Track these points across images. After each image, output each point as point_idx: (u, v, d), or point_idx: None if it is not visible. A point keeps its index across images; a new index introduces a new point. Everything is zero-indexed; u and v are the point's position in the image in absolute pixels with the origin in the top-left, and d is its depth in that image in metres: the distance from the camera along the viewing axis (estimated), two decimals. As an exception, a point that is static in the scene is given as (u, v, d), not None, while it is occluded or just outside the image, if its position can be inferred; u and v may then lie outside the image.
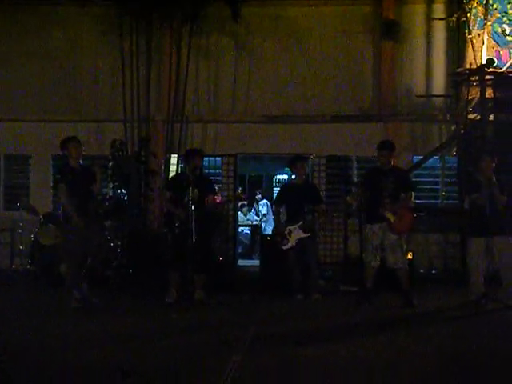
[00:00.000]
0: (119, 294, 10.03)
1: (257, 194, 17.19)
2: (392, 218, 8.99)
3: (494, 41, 12.77)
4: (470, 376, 5.65)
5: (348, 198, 10.16)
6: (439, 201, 13.54)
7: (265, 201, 16.86)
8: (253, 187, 17.96)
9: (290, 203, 10.07)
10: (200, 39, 13.53)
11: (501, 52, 12.78)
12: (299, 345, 6.69)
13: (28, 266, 11.70)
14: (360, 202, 9.79)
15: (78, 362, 5.92)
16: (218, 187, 13.66)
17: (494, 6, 12.61)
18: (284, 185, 12.71)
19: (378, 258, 9.15)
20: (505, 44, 12.80)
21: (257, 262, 12.31)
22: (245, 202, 16.31)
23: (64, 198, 8.92)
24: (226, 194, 13.18)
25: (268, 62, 13.76)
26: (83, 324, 7.82)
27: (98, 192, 9.70)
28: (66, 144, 9.12)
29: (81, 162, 9.19)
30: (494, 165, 8.92)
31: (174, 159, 13.49)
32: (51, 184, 13.77)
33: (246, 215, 16.60)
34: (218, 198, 12.51)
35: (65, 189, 8.88)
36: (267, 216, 16.19)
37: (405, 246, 9.22)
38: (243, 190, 16.75)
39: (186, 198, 9.02)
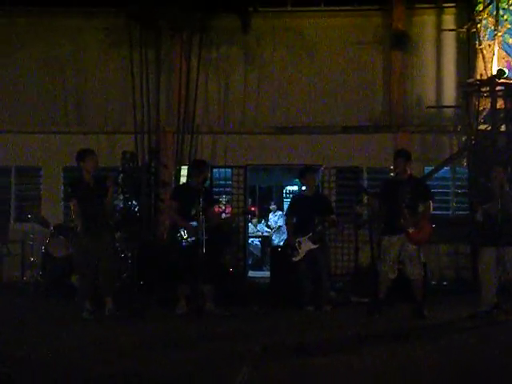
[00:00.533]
0: (129, 305, 10.01)
1: (271, 205, 17.14)
2: (411, 230, 8.95)
3: (505, 51, 12.75)
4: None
5: (357, 207, 10.12)
6: (450, 212, 13.48)
7: (280, 212, 16.80)
8: (263, 198, 17.93)
9: (301, 214, 10.05)
10: (210, 50, 13.58)
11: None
12: (309, 356, 6.66)
13: (39, 278, 11.69)
14: (371, 212, 9.71)
15: (87, 371, 5.90)
16: (228, 198, 13.69)
17: (505, 17, 12.59)
18: (295, 196, 12.70)
19: (395, 269, 9.10)
20: (516, 55, 12.79)
21: (267, 274, 12.28)
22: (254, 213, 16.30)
23: (74, 212, 8.99)
24: (236, 205, 13.17)
25: (278, 73, 13.80)
26: (93, 334, 7.81)
27: (110, 204, 9.71)
28: (82, 156, 9.12)
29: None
30: (505, 175, 8.87)
31: (183, 170, 13.49)
32: (62, 195, 13.83)
33: (255, 226, 16.55)
34: (228, 208, 12.51)
35: (75, 203, 8.93)
36: (282, 227, 16.12)
37: (422, 258, 9.18)
38: (253, 203, 16.76)
39: (195, 210, 9.00)
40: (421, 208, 9.18)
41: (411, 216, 8.99)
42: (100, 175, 9.42)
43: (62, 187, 14.06)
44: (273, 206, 16.98)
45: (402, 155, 9.37)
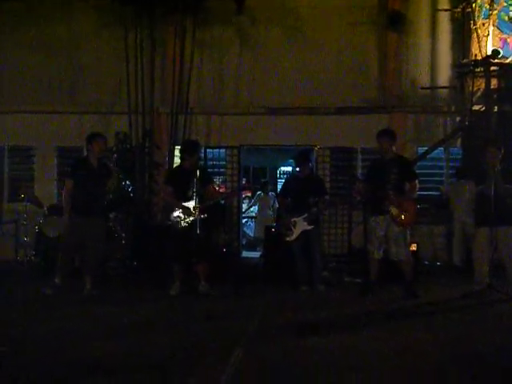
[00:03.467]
0: (123, 286, 10.03)
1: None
2: (395, 212, 8.95)
3: (500, 30, 12.73)
4: (472, 366, 5.63)
5: (354, 195, 10.17)
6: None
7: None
8: (257, 179, 17.91)
9: (295, 195, 10.06)
10: (204, 31, 13.52)
11: (508, 39, 12.74)
12: (303, 336, 6.69)
13: (32, 258, 11.71)
14: (365, 195, 9.70)
15: (78, 353, 5.91)
16: (223, 179, 13.69)
17: (502, -6, 12.60)
18: (289, 177, 12.73)
19: (381, 249, 9.13)
20: (512, 31, 12.78)
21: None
22: (249, 194, 16.31)
23: (66, 193, 9.11)
24: (230, 185, 13.18)
25: (272, 53, 13.73)
26: (87, 314, 7.81)
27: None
28: (91, 139, 9.23)
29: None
30: (499, 155, 8.87)
31: (177, 151, 13.45)
32: (56, 175, 13.83)
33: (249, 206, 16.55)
34: (222, 188, 12.50)
35: (70, 185, 9.06)
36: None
37: (408, 238, 9.19)
38: (247, 181, 16.72)
39: (190, 192, 9.00)
40: (408, 188, 9.18)
41: (396, 197, 8.99)
42: (105, 161, 9.55)
43: (56, 167, 14.06)
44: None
45: (385, 134, 9.33)
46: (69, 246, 9.16)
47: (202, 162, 11.21)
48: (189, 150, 9.51)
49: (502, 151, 8.91)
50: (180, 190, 9.17)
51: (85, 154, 9.37)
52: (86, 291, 9.01)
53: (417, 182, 9.25)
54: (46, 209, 11.81)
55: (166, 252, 9.68)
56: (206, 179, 9.37)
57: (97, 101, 13.79)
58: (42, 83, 13.95)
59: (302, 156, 10.42)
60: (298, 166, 10.28)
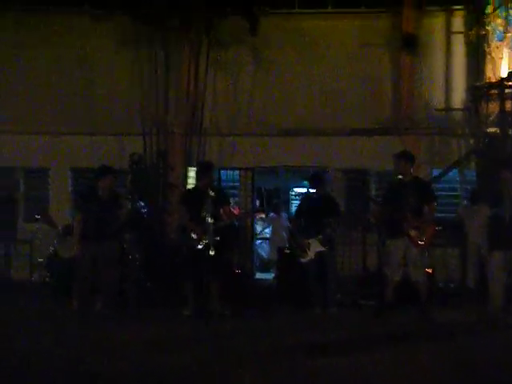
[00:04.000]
0: (136, 307, 10.02)
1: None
2: (414, 234, 8.94)
3: (514, 52, 12.76)
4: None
5: (371, 218, 10.17)
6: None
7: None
8: (270, 200, 17.84)
9: (309, 216, 10.06)
10: (218, 52, 13.57)
11: (522, 61, 12.76)
12: (315, 357, 6.67)
13: (47, 279, 11.71)
14: (380, 218, 9.68)
15: (90, 371, 5.92)
16: (236, 200, 13.67)
17: (515, 17, 12.62)
18: (304, 198, 12.71)
19: (400, 272, 9.10)
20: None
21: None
22: (263, 215, 16.25)
23: (76, 226, 9.39)
24: (243, 206, 13.17)
25: (286, 74, 13.78)
26: (100, 335, 7.81)
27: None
28: (101, 175, 9.42)
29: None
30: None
31: (191, 172, 13.49)
32: (70, 196, 13.90)
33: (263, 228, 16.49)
34: (236, 210, 12.49)
35: (79, 218, 9.31)
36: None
37: (426, 260, 9.17)
38: (261, 204, 16.71)
39: (204, 213, 9.01)
40: (425, 209, 9.18)
41: (415, 219, 8.98)
42: (115, 191, 9.63)
43: (71, 189, 14.13)
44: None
45: (403, 157, 9.33)
46: (82, 272, 9.27)
47: (215, 183, 11.19)
48: (202, 170, 9.62)
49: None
50: (194, 210, 9.21)
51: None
52: (97, 310, 9.09)
53: (435, 204, 9.25)
54: (60, 229, 11.83)
55: (179, 272, 9.69)
56: (222, 200, 9.39)
57: (111, 122, 13.85)
58: (56, 104, 14.01)
59: (316, 177, 10.44)
60: (312, 187, 10.29)
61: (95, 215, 9.14)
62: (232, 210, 11.85)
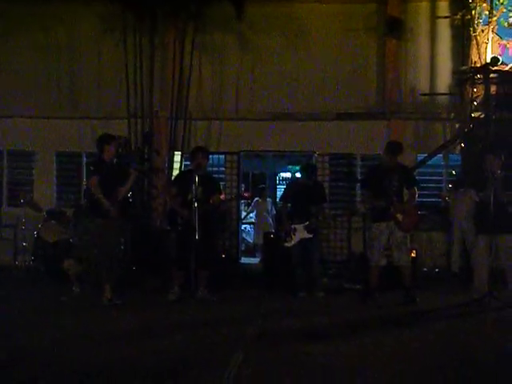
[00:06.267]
0: (122, 291, 10.00)
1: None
2: (400, 217, 9.00)
3: (499, 36, 12.76)
4: (469, 372, 5.63)
5: (361, 207, 10.22)
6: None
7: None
8: (256, 185, 17.86)
9: (296, 202, 10.09)
10: (204, 37, 13.51)
11: (507, 45, 12.77)
12: (303, 342, 6.69)
13: (31, 263, 11.68)
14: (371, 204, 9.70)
15: (80, 359, 5.90)
16: (222, 185, 13.66)
17: (501, 0, 12.60)
18: (291, 183, 12.73)
19: (384, 256, 9.16)
20: (512, 37, 12.81)
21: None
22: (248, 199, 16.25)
23: (94, 189, 8.84)
24: (229, 191, 13.16)
25: (272, 59, 13.74)
26: (86, 321, 7.81)
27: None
28: (108, 140, 9.15)
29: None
30: (499, 162, 8.87)
31: (177, 156, 13.48)
32: (55, 180, 13.85)
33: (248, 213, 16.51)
34: (247, 192, 12.47)
35: (96, 180, 8.84)
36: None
37: (409, 244, 9.24)
38: (246, 188, 16.71)
39: (190, 196, 8.99)
40: (407, 195, 9.25)
41: (399, 203, 9.05)
42: (119, 162, 9.51)
43: (55, 173, 14.07)
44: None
45: (394, 151, 9.27)
46: (107, 249, 8.89)
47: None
48: (191, 155, 9.66)
49: (502, 158, 8.92)
50: (182, 193, 9.21)
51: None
52: (106, 301, 8.86)
53: (416, 188, 9.33)
54: (44, 213, 11.79)
55: (165, 257, 9.67)
56: (211, 187, 9.37)
57: (97, 106, 13.80)
58: (42, 88, 13.95)
59: (310, 167, 10.51)
60: (305, 177, 10.28)
61: (109, 186, 8.78)
62: (244, 193, 11.84)
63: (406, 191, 9.45)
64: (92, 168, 9.35)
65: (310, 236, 9.87)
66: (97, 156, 9.31)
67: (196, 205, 8.84)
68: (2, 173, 14.30)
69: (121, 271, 9.24)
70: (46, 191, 13.78)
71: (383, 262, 9.19)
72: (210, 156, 13.47)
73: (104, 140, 9.14)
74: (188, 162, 12.32)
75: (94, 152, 13.08)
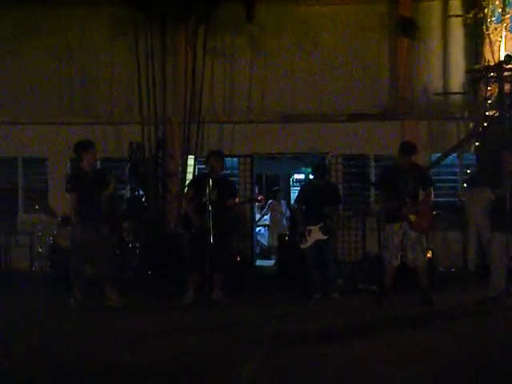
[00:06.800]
0: (137, 295, 10.02)
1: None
2: (413, 218, 8.96)
3: (512, 33, 12.72)
4: (486, 373, 5.58)
5: (376, 205, 10.18)
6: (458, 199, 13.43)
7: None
8: (270, 187, 17.85)
9: (310, 203, 10.07)
10: (215, 39, 13.53)
11: (521, 42, 12.72)
12: (319, 343, 6.67)
13: (47, 269, 11.73)
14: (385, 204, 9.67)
15: (95, 361, 5.91)
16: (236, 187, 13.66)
17: (514, -3, 12.57)
18: (305, 185, 12.72)
19: (398, 257, 9.11)
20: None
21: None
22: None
23: (72, 205, 9.04)
24: (243, 194, 13.16)
25: (283, 61, 13.74)
26: (101, 323, 7.82)
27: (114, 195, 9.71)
28: (85, 147, 9.10)
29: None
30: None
31: (190, 160, 13.49)
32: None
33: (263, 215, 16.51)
34: (261, 197, 12.50)
35: (75, 197, 8.96)
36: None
37: (425, 245, 9.19)
38: (260, 191, 16.69)
39: (204, 200, 9.00)
40: (422, 195, 9.20)
41: (413, 203, 9.00)
42: (100, 168, 9.46)
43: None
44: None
45: (408, 152, 9.22)
46: (79, 258, 9.07)
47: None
48: (206, 159, 9.76)
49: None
50: (197, 197, 9.24)
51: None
52: (112, 303, 8.93)
53: (432, 189, 9.28)
54: (59, 219, 11.83)
55: (180, 260, 9.68)
56: (227, 191, 9.38)
57: (110, 111, 13.85)
58: (54, 94, 14.01)
59: (319, 167, 10.50)
60: (316, 177, 10.29)
61: (87, 195, 8.86)
62: (257, 197, 11.86)
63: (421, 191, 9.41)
64: (69, 185, 9.20)
65: (325, 237, 9.86)
66: (76, 166, 9.25)
67: (210, 208, 8.86)
68: (17, 180, 14.35)
69: (112, 275, 9.24)
70: (60, 197, 13.80)
71: (397, 262, 9.13)
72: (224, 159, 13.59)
73: (81, 148, 9.09)
74: (202, 166, 12.38)
75: (108, 157, 13.28)
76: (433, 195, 9.33)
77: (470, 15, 12.97)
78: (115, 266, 9.68)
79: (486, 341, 6.85)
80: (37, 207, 12.22)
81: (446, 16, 13.56)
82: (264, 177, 17.98)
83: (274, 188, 16.62)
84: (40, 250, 12.09)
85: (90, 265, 9.49)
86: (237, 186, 13.22)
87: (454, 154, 13.12)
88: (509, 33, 12.65)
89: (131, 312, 8.64)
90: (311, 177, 10.39)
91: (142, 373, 5.58)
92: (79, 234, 8.97)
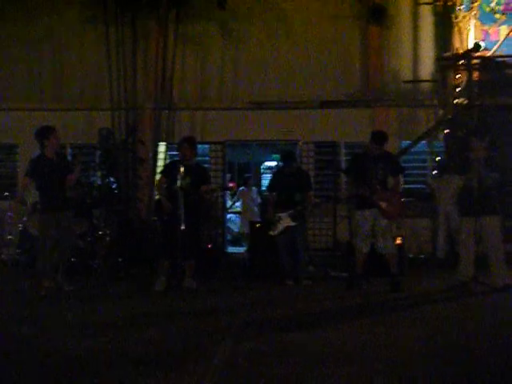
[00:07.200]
0: (108, 283, 10.00)
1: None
2: (384, 205, 9.02)
3: (481, 22, 12.81)
4: (455, 357, 5.67)
5: (345, 194, 10.24)
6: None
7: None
8: (241, 174, 17.83)
9: (281, 190, 10.09)
10: (186, 26, 13.48)
11: (489, 31, 12.82)
12: (290, 330, 6.70)
13: (16, 256, 11.65)
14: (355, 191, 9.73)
15: (67, 351, 5.89)
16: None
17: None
18: (276, 172, 12.77)
19: (368, 243, 9.18)
20: (494, 22, 12.83)
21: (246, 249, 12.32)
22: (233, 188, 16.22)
23: (23, 188, 9.39)
24: (214, 181, 13.15)
25: (255, 48, 13.72)
26: (70, 312, 7.78)
27: (82, 181, 9.69)
28: (46, 134, 9.03)
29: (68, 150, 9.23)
30: (483, 146, 8.90)
31: (161, 147, 13.46)
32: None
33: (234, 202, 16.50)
34: (232, 183, 12.48)
35: (25, 181, 9.16)
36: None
37: (394, 231, 9.27)
38: (232, 179, 16.70)
39: (175, 186, 8.98)
40: (391, 182, 9.28)
41: (383, 192, 9.07)
42: (63, 153, 9.43)
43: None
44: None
45: (380, 141, 9.26)
46: (45, 244, 9.01)
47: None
48: (178, 144, 9.72)
49: (486, 141, 8.96)
50: (168, 183, 9.24)
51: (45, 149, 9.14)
52: (65, 287, 9.02)
53: (401, 176, 9.36)
54: (29, 206, 11.73)
55: (151, 248, 9.66)
56: (200, 178, 9.38)
57: (80, 97, 13.74)
58: (24, 80, 13.89)
59: (287, 154, 10.48)
60: (284, 164, 10.32)
61: (49, 181, 8.86)
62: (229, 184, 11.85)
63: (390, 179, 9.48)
64: (26, 169, 9.23)
65: (294, 224, 9.88)
66: (39, 152, 9.19)
67: (181, 195, 8.85)
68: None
69: (67, 260, 9.33)
70: (30, 184, 13.68)
71: (367, 249, 9.20)
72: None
73: (42, 135, 9.05)
74: (174, 153, 12.35)
75: (79, 144, 13.18)
76: (401, 182, 9.40)
77: (440, 3, 13.06)
78: (71, 253, 9.66)
79: (454, 327, 6.94)
80: (6, 194, 12.10)
81: (416, 4, 13.63)
82: (236, 164, 17.96)
83: (245, 175, 16.60)
84: (9, 237, 11.98)
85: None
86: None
87: (424, 142, 13.23)
88: (477, 21, 12.77)
89: (102, 300, 8.61)
90: (280, 164, 10.41)
91: (112, 359, 5.58)
92: (45, 221, 8.93)
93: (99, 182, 12.47)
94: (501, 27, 12.89)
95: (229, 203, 15.65)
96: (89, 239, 11.12)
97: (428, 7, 13.49)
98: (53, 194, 8.88)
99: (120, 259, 11.20)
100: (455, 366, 5.39)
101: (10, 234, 12.04)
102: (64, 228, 8.96)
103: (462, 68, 12.48)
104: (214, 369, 5.24)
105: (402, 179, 9.47)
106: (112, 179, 12.63)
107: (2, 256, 12.19)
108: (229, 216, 15.60)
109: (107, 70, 13.19)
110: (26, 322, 7.09)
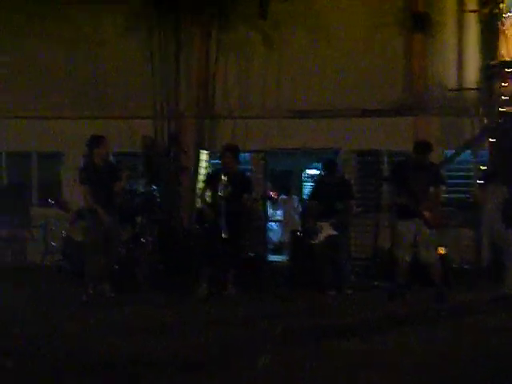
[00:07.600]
0: (150, 290, 10.04)
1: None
2: (427, 215, 8.92)
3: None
4: (502, 368, 5.56)
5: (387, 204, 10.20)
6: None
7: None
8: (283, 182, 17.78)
9: (323, 199, 10.05)
10: (229, 34, 13.49)
11: (536, 39, 12.65)
12: (331, 340, 6.66)
13: (60, 263, 11.77)
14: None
15: (107, 354, 5.93)
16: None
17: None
18: (317, 181, 12.73)
19: (411, 253, 9.08)
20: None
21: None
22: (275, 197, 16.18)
23: (86, 197, 9.25)
24: (256, 189, 13.14)
25: (297, 56, 13.69)
26: (114, 317, 7.84)
27: (126, 189, 9.80)
28: (97, 143, 9.26)
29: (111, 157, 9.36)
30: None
31: (203, 155, 13.49)
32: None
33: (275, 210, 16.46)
34: (273, 193, 12.50)
35: (88, 189, 9.20)
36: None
37: (437, 242, 9.15)
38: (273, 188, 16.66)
39: (217, 195, 9.01)
40: (432, 192, 9.17)
41: (426, 201, 8.97)
42: (111, 161, 9.58)
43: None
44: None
45: (423, 151, 9.18)
46: (94, 251, 9.15)
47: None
48: (220, 153, 9.86)
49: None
50: (211, 192, 9.28)
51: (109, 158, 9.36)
52: (107, 293, 9.12)
53: (443, 187, 9.27)
54: (73, 213, 11.85)
55: (194, 256, 9.70)
56: (242, 187, 9.38)
57: (122, 105, 13.85)
58: (68, 88, 14.02)
59: (329, 163, 10.46)
60: (326, 173, 10.29)
61: (99, 188, 9.10)
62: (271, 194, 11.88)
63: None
64: (80, 177, 9.46)
65: (336, 233, 9.82)
66: (87, 160, 9.45)
67: (223, 203, 8.88)
68: (31, 174, 14.40)
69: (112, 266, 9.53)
70: (74, 192, 13.82)
71: (409, 259, 9.10)
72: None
73: (93, 143, 9.31)
74: (216, 161, 12.38)
75: (121, 152, 13.29)
76: (443, 193, 9.31)
77: (486, 10, 12.89)
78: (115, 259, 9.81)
79: (496, 338, 6.81)
80: (51, 202, 12.26)
81: (461, 11, 13.47)
82: (277, 173, 17.92)
83: (287, 183, 16.57)
84: (53, 243, 12.13)
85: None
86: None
87: (468, 151, 13.06)
88: (524, 29, 12.59)
89: (144, 307, 8.65)
90: (322, 173, 10.38)
91: (157, 365, 5.59)
92: (94, 227, 9.03)
93: (142, 190, 12.54)
94: (548, 35, 12.69)
95: (270, 212, 15.63)
96: (131, 246, 11.18)
97: (473, 15, 13.30)
98: (101, 200, 8.99)
99: (162, 267, 11.24)
100: (491, 378, 5.30)
101: (53, 241, 12.17)
102: (111, 235, 9.08)
103: (508, 76, 12.29)
104: (256, 376, 5.22)
105: (443, 189, 9.32)
106: (155, 187, 12.70)
107: (46, 262, 12.34)
108: (270, 224, 15.57)
109: (150, 79, 13.28)
110: (74, 325, 7.17)
